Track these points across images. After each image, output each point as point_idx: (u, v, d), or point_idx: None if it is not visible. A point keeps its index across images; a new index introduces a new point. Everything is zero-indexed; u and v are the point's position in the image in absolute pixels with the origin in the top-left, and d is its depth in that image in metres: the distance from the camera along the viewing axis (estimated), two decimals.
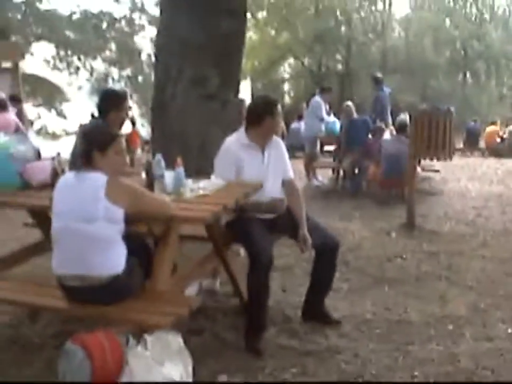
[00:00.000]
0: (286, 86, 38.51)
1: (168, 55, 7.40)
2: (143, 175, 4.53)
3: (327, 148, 13.64)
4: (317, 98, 12.45)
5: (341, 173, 12.00)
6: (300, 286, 5.24)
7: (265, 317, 4.67)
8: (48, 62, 28.28)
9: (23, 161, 4.76)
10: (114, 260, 3.78)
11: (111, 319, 3.76)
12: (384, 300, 5.56)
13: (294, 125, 17.74)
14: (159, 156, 4.37)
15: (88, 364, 3.37)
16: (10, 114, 11.58)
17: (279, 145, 5.07)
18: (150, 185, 4.37)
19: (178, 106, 7.24)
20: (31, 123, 31.96)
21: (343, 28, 36.45)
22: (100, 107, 5.30)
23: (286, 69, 38.77)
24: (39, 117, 30.54)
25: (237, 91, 7.70)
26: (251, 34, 33.54)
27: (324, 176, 12.74)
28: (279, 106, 4.88)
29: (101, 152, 3.77)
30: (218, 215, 4.10)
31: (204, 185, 4.54)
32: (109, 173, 3.75)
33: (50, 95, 30.37)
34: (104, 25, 29.12)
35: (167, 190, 4.35)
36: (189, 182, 4.51)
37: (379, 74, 13.53)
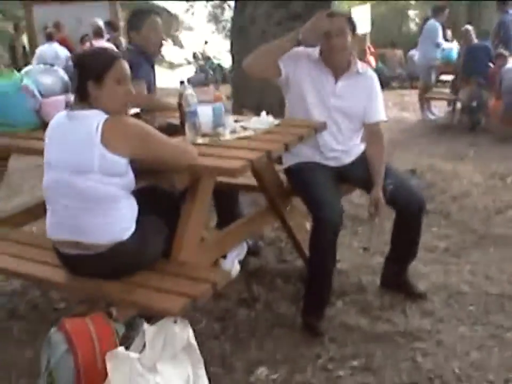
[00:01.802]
0: (411, 12, 36.37)
1: None
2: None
3: (443, 77, 12.42)
4: (431, 21, 11.08)
5: (458, 105, 10.66)
6: (387, 245, 4.28)
7: (328, 290, 3.76)
8: None
9: (46, 96, 3.99)
10: (116, 222, 2.94)
11: (110, 299, 2.95)
12: (486, 265, 4.49)
13: (412, 52, 16.35)
14: (187, 85, 3.46)
15: (71, 358, 2.61)
16: (103, 41, 11.06)
17: (366, 78, 4.00)
18: (182, 124, 3.49)
19: (258, 30, 6.26)
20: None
21: None
22: (131, 23, 4.49)
23: None
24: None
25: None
26: None
27: (439, 108, 11.44)
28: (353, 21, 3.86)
29: (96, 81, 2.90)
30: (256, 164, 3.16)
31: (250, 124, 3.62)
32: (109, 109, 2.90)
33: (166, 23, 29.89)
34: None
35: (201, 131, 3.45)
36: (230, 121, 3.58)
37: None
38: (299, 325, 3.69)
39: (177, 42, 30.89)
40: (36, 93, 3.95)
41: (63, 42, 12.18)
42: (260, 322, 3.73)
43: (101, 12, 13.84)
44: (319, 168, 3.84)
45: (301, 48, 3.89)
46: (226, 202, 4.50)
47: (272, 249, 4.79)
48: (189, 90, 3.43)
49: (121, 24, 13.49)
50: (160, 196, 3.42)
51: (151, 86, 4.34)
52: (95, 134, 2.79)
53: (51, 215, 3.04)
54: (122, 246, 2.94)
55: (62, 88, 4.11)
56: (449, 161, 7.50)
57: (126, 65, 3.00)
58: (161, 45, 4.49)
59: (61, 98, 3.96)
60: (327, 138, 3.88)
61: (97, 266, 2.97)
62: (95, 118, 2.83)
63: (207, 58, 22.62)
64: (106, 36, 11.69)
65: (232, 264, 3.60)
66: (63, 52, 11.35)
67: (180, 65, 30.38)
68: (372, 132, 3.99)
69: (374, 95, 3.98)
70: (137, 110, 3.72)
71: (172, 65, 31.54)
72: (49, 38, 11.89)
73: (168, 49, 31.85)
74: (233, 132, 3.48)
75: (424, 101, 11.30)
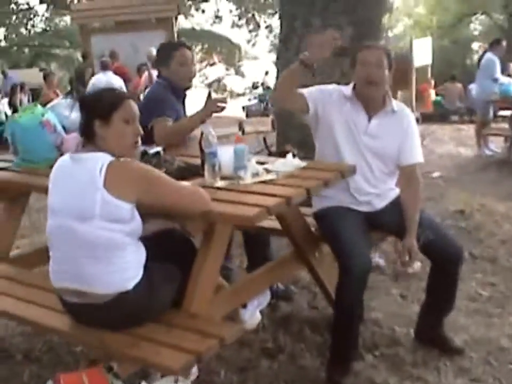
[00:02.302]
0: (475, 45, 35.78)
1: (294, 3, 6.29)
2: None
3: (502, 112, 12.07)
4: (489, 54, 10.75)
5: None
6: None
7: (355, 342, 3.56)
8: (219, 18, 27.78)
9: (71, 131, 3.89)
10: (121, 271, 2.78)
11: (111, 352, 2.78)
12: None
13: (471, 85, 16.01)
14: (208, 127, 3.30)
15: None
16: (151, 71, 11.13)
17: (402, 117, 3.79)
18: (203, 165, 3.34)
19: None
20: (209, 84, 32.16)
21: None
22: (159, 57, 4.46)
23: (476, 26, 35.97)
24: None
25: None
26: None
27: (496, 144, 11.07)
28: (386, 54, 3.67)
29: (104, 120, 2.79)
30: (274, 211, 2.97)
31: (274, 167, 3.43)
32: (117, 150, 2.78)
33: (229, 53, 30.14)
34: None
35: (220, 173, 3.28)
36: (252, 163, 3.40)
37: None
38: (322, 379, 3.47)
39: (238, 72, 31.02)
40: (59, 127, 3.86)
41: (118, 71, 12.26)
42: (282, 375, 3.52)
43: (158, 40, 13.89)
44: (349, 214, 3.64)
45: (332, 86, 3.72)
46: (256, 245, 4.33)
47: (305, 294, 4.58)
48: (210, 130, 3.27)
49: None
50: (177, 240, 3.26)
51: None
52: (98, 177, 2.66)
53: (53, 262, 2.91)
54: (127, 296, 2.78)
55: None
56: (502, 202, 7.16)
57: (134, 106, 2.89)
58: (191, 78, 4.37)
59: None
60: (359, 181, 3.68)
61: (100, 317, 2.82)
62: (99, 161, 2.70)
63: (266, 88, 22.64)
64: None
65: (252, 315, 3.41)
66: (118, 81, 11.38)
67: (241, 94, 30.52)
68: (406, 175, 3.76)
69: (410, 135, 3.76)
70: (158, 148, 3.57)
71: (232, 94, 31.75)
72: (104, 67, 11.99)
73: (230, 79, 32.08)
74: (255, 175, 3.30)
75: (481, 137, 10.97)
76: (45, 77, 15.00)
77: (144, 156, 3.46)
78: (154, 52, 12.01)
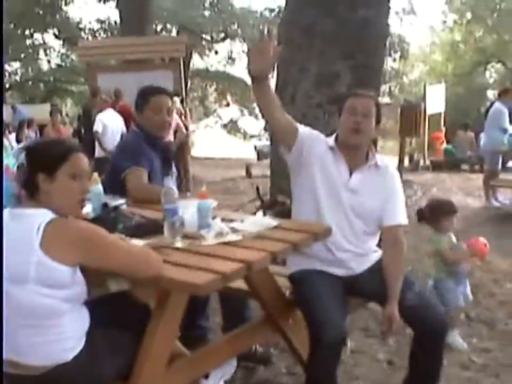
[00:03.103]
0: (490, 93, 35.60)
1: (291, 47, 6.07)
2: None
3: (511, 163, 11.89)
4: (497, 104, 10.49)
5: None
6: None
7: None
8: (233, 59, 27.71)
9: None
10: (58, 341, 2.51)
11: None
12: None
13: (482, 134, 15.82)
14: (169, 183, 3.05)
15: None
16: None
17: (386, 173, 3.53)
18: None
19: (298, 112, 5.82)
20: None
21: None
22: (136, 103, 4.21)
23: (491, 74, 35.83)
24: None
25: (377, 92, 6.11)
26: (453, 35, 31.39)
27: (505, 196, 10.76)
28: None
29: (48, 174, 2.54)
30: (232, 278, 2.69)
31: (242, 226, 3.16)
32: (60, 207, 2.54)
33: (243, 94, 30.06)
34: None
35: (181, 232, 3.02)
36: (217, 221, 3.13)
37: None
38: None
39: (252, 113, 30.95)
40: None
41: (123, 110, 12.06)
42: None
43: (165, 80, 13.79)
44: (325, 279, 3.35)
45: (319, 134, 3.48)
46: (231, 304, 4.03)
47: (285, 357, 4.26)
48: (170, 183, 3.02)
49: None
50: (131, 304, 2.95)
51: (154, 173, 3.95)
52: (35, 237, 2.41)
53: None
54: (66, 367, 2.52)
55: None
56: (506, 258, 6.86)
57: (84, 159, 2.64)
58: (163, 128, 4.11)
59: None
60: (337, 235, 3.40)
61: None
62: (38, 218, 2.45)
63: None
64: None
65: None
66: (115, 120, 11.04)
67: (254, 136, 30.45)
68: (389, 237, 3.48)
69: (393, 194, 3.50)
70: (121, 201, 3.32)
71: (245, 136, 31.66)
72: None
73: (244, 120, 32.04)
74: (219, 234, 3.02)
75: (490, 188, 10.67)
76: (50, 113, 14.86)
77: (104, 208, 3.23)
78: None
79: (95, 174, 3.55)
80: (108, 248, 2.55)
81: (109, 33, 26.95)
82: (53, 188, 2.54)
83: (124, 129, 10.54)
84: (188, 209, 3.10)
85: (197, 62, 28.85)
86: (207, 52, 27.51)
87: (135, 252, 2.64)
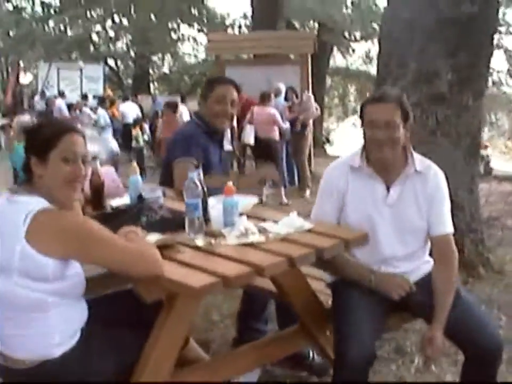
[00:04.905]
0: None
1: (391, 45, 5.76)
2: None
3: None
4: None
5: None
6: None
7: None
8: (369, 58, 27.17)
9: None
10: (41, 335, 2.39)
11: None
12: None
13: None
14: (193, 173, 2.86)
15: None
16: (270, 108, 10.86)
17: (427, 178, 3.13)
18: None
19: None
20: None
21: None
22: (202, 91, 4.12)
23: None
24: None
25: (480, 93, 5.70)
26: None
27: None
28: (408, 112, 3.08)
29: (40, 158, 2.42)
30: (236, 284, 2.48)
31: (271, 227, 2.91)
32: (53, 193, 2.41)
33: None
34: None
35: (203, 229, 2.84)
36: (244, 220, 2.92)
37: None
38: None
39: None
40: None
41: (248, 103, 12.06)
42: None
43: (293, 76, 13.69)
44: (365, 292, 3.02)
45: (324, 181, 3.27)
46: (286, 309, 3.81)
47: None
48: (194, 176, 2.83)
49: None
50: (140, 305, 2.65)
51: (208, 165, 3.77)
52: (22, 227, 2.28)
53: None
54: (53, 364, 2.39)
55: (108, 157, 3.70)
56: None
57: (78, 141, 2.47)
58: (224, 119, 3.94)
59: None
60: (386, 253, 3.11)
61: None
62: (28, 207, 2.33)
63: None
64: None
65: None
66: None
67: None
68: (438, 248, 3.13)
69: (437, 201, 3.12)
70: (157, 194, 3.17)
71: None
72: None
73: None
74: (241, 235, 2.80)
75: None
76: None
77: (138, 199, 3.12)
78: (282, 87, 11.87)
79: (134, 163, 3.44)
80: (100, 243, 2.38)
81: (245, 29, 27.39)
82: (45, 172, 2.42)
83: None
84: (217, 205, 2.92)
85: (338, 60, 28.62)
86: (349, 50, 27.14)
87: (129, 250, 2.45)
